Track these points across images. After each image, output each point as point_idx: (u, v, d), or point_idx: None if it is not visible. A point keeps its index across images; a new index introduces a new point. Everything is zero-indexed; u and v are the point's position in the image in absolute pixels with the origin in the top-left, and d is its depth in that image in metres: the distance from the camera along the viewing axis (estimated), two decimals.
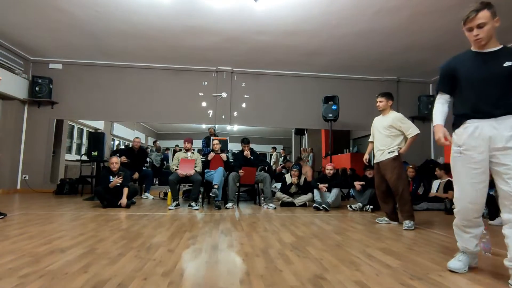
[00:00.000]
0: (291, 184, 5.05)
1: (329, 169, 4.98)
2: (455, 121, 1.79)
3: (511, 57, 1.62)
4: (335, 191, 4.73)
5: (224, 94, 6.91)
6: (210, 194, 4.45)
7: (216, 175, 4.55)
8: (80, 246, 2.14)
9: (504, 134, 1.57)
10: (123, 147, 10.00)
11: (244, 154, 4.89)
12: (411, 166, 5.41)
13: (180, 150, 5.09)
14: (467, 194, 1.69)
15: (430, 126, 7.23)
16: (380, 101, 3.48)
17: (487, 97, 1.64)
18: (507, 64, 1.61)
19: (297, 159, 8.10)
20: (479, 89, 1.67)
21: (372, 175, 4.29)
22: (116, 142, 10.39)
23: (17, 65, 6.03)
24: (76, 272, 1.63)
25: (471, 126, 1.68)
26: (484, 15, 1.61)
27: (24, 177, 6.33)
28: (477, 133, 1.65)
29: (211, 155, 5.02)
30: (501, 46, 1.67)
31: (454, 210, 1.81)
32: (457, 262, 1.80)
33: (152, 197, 5.70)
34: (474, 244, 1.78)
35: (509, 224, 1.56)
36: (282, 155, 9.54)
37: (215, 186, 4.41)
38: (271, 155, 10.43)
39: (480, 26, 1.63)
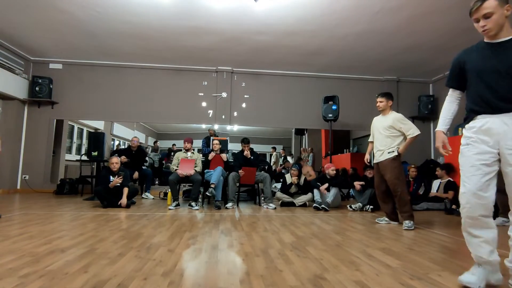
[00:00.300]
0: (291, 184, 5.05)
1: (331, 169, 4.97)
2: (466, 116, 1.68)
3: None
4: (333, 190, 4.73)
5: (224, 94, 6.91)
6: (207, 193, 4.44)
7: (214, 174, 4.54)
8: (80, 246, 2.14)
9: None
10: (123, 147, 10.00)
11: (244, 154, 4.89)
12: (413, 166, 5.40)
13: (179, 150, 5.09)
14: (472, 185, 1.52)
15: (430, 126, 7.24)
16: (380, 101, 3.48)
17: (497, 91, 1.53)
18: None
19: (297, 159, 8.10)
20: (488, 82, 1.57)
21: (372, 175, 4.29)
22: (116, 142, 10.40)
23: (17, 65, 6.03)
24: (76, 272, 1.63)
25: (480, 121, 1.58)
26: (490, 4, 1.51)
27: (24, 177, 6.33)
28: (486, 127, 1.55)
29: (211, 155, 5.02)
30: None
31: (460, 209, 1.60)
32: (469, 276, 1.55)
33: (152, 197, 5.70)
34: (487, 251, 1.50)
35: None
36: (282, 155, 9.55)
37: (212, 185, 4.40)
38: (271, 155, 10.44)
39: (486, 16, 1.52)
